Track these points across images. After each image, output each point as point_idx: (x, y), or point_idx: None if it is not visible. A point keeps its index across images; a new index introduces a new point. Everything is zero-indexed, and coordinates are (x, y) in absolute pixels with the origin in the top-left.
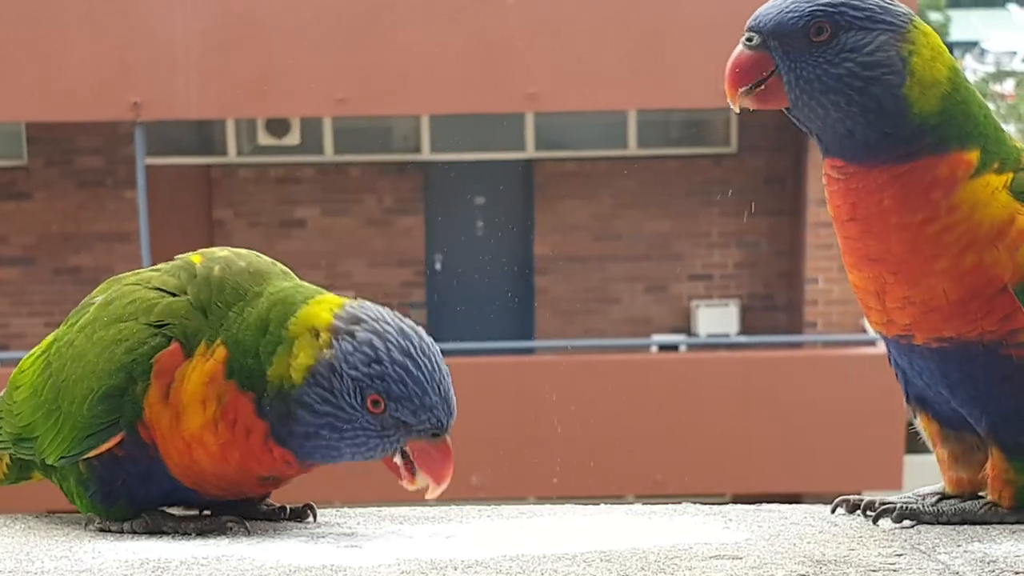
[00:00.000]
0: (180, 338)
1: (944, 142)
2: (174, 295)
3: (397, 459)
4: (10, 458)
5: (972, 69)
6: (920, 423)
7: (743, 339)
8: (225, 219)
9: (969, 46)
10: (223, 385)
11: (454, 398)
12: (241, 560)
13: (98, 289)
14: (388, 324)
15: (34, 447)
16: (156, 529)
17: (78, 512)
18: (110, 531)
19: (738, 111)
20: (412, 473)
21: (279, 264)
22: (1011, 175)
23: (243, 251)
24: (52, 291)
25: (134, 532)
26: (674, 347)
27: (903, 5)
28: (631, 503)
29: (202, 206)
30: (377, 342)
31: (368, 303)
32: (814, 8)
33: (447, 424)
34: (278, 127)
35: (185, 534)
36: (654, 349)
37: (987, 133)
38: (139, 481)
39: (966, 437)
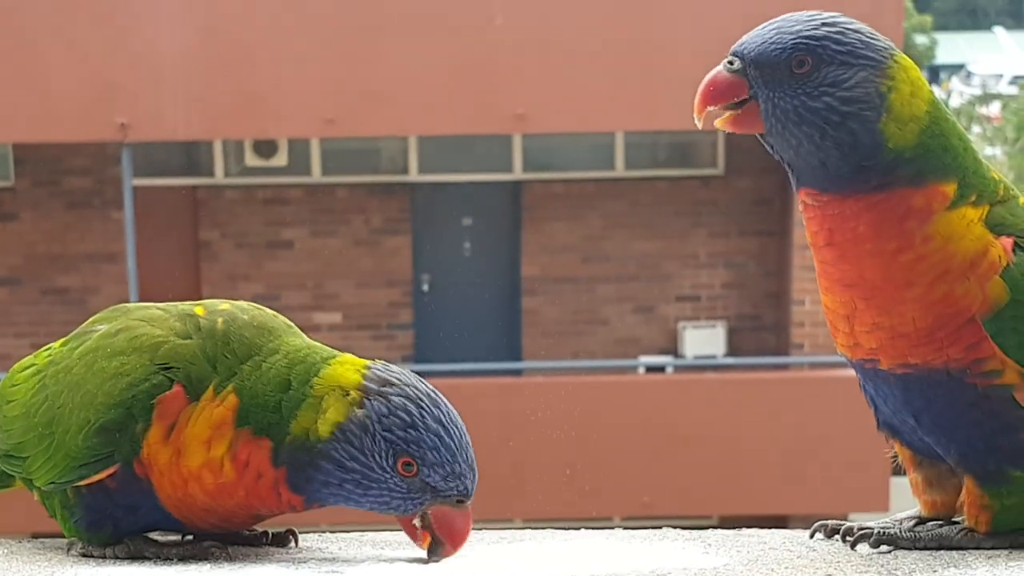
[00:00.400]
0: (183, 382)
1: (921, 175)
2: (181, 339)
3: (416, 522)
4: None
5: (959, 91)
6: (895, 448)
7: (730, 360)
8: (212, 240)
9: (956, 68)
10: (234, 431)
11: (477, 466)
12: None
13: (100, 316)
14: (419, 389)
15: (22, 466)
16: (138, 554)
17: (61, 536)
18: (92, 556)
19: (700, 126)
20: (427, 536)
21: (280, 316)
22: (987, 208)
23: (244, 304)
24: (39, 312)
25: (116, 557)
26: (661, 368)
27: (885, 39)
28: (618, 525)
29: (189, 227)
30: (412, 408)
31: (391, 365)
32: (797, 41)
33: (472, 492)
34: (265, 148)
35: (167, 559)
36: (641, 370)
37: (966, 165)
38: (126, 512)
39: (939, 463)
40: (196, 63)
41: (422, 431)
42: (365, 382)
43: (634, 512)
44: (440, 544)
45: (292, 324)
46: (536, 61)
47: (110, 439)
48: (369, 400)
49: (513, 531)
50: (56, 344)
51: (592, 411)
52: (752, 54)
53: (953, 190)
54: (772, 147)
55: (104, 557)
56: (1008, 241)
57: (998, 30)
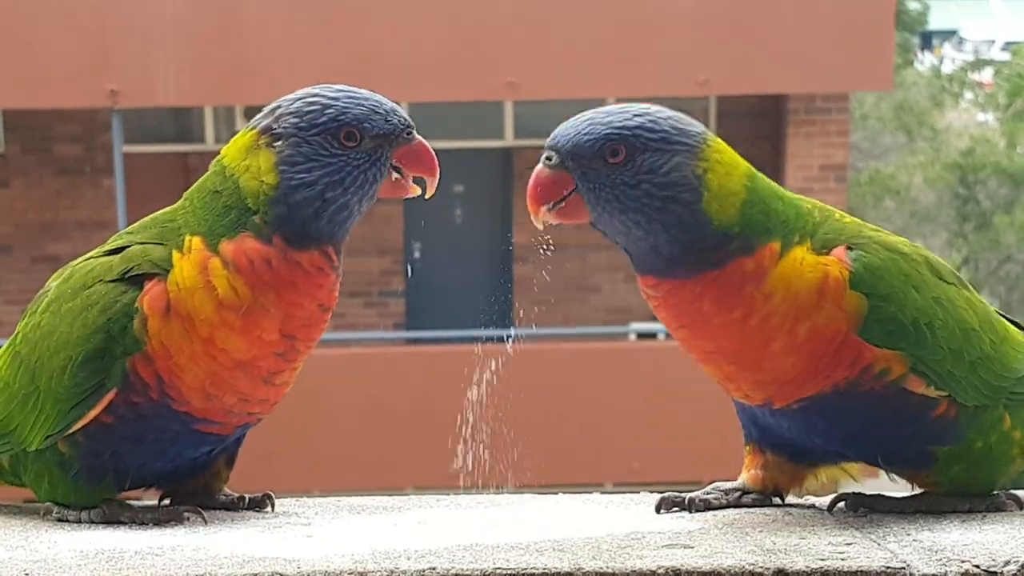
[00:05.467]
0: (149, 271)
1: (749, 243)
2: (125, 248)
3: (394, 176)
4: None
5: (951, 58)
6: (751, 449)
7: None
8: None
9: (948, 35)
10: (215, 258)
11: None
12: (196, 550)
13: (51, 278)
14: (296, 93)
15: (11, 440)
16: (113, 519)
17: (37, 503)
18: (67, 521)
19: (542, 228)
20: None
21: None
22: (809, 240)
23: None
24: (29, 279)
25: (91, 522)
26: (652, 335)
27: (697, 124)
28: (607, 491)
29: (180, 194)
30: (310, 97)
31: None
32: (609, 131)
33: (411, 121)
34: (256, 114)
35: (142, 523)
36: (632, 337)
37: (787, 218)
38: (131, 445)
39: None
40: (187, 29)
41: (334, 102)
42: (258, 128)
43: (624, 478)
44: (421, 178)
45: None
46: (527, 28)
47: (96, 368)
48: (278, 123)
49: (490, 496)
50: (21, 323)
51: (583, 377)
52: (567, 147)
53: (779, 245)
54: (605, 234)
55: (79, 522)
56: (840, 251)
57: None
